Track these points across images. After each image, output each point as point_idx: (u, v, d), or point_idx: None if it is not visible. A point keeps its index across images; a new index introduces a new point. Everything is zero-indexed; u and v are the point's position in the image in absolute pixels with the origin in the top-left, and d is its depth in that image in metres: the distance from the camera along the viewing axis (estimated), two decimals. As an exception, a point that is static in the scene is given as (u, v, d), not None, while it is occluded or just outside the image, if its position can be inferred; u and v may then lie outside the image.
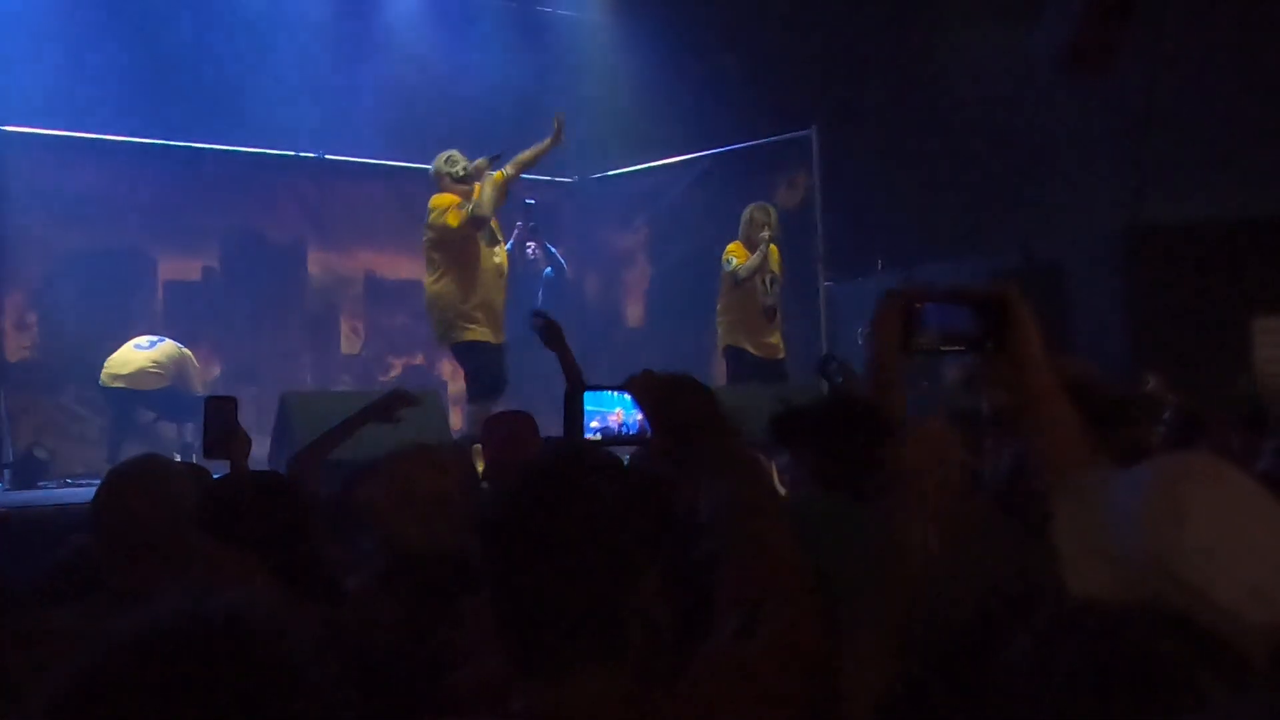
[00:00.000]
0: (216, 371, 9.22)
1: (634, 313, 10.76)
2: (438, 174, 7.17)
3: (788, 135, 9.17)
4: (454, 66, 10.02)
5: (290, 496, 2.68)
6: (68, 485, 7.76)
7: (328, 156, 9.63)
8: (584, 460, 1.44)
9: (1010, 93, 9.10)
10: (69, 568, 2.61)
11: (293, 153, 9.52)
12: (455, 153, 7.21)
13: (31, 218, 8.45)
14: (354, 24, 9.71)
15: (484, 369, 7.20)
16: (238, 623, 0.90)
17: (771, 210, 8.04)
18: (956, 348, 1.74)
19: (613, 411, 1.84)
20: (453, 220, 6.96)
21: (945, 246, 8.72)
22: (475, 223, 6.98)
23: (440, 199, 7.10)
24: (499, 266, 7.27)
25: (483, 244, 7.15)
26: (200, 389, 8.11)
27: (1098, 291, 7.41)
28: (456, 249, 7.05)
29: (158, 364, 8.05)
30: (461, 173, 7.05)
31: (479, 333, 7.15)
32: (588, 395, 1.83)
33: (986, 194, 8.99)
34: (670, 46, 9.96)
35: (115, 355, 8.03)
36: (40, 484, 7.80)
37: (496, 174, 7.18)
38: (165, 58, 8.61)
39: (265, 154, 9.38)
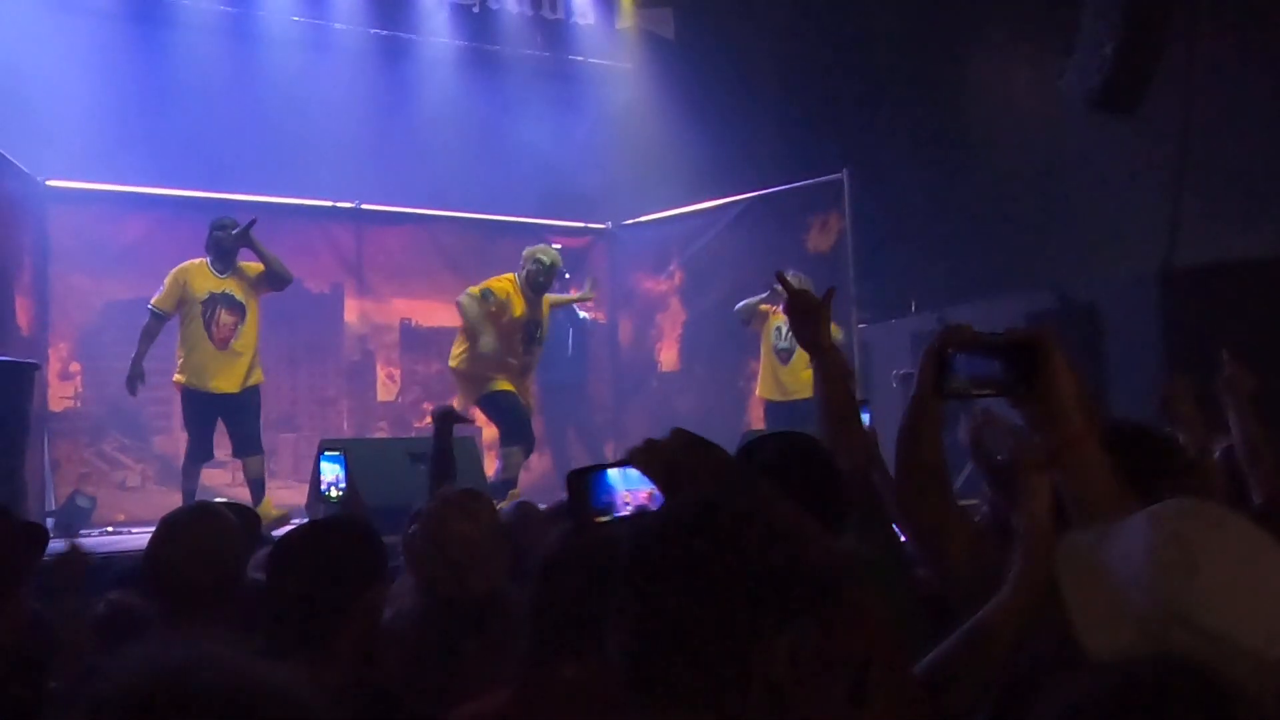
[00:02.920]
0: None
1: (668, 357, 10.76)
2: (524, 258, 7.67)
3: (821, 178, 9.19)
4: (489, 116, 10.14)
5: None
6: (109, 533, 7.85)
7: (364, 206, 9.75)
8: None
9: (1044, 133, 9.09)
10: (104, 624, 2.64)
11: (330, 202, 9.65)
12: (544, 256, 7.66)
13: (76, 270, 8.60)
14: (390, 76, 9.85)
15: (511, 415, 7.42)
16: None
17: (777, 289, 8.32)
18: (988, 392, 1.73)
19: (620, 492, 1.70)
20: (471, 327, 7.54)
21: (978, 287, 8.69)
22: (476, 346, 7.45)
23: (501, 281, 7.60)
24: (518, 365, 7.64)
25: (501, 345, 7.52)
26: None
27: (1133, 332, 7.34)
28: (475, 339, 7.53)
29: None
30: (533, 280, 7.56)
31: (500, 384, 7.47)
32: (592, 477, 1.70)
33: (1019, 234, 8.96)
34: (701, 92, 10.03)
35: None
36: (82, 532, 7.89)
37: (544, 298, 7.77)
38: (206, 111, 8.79)
39: (303, 204, 9.51)
